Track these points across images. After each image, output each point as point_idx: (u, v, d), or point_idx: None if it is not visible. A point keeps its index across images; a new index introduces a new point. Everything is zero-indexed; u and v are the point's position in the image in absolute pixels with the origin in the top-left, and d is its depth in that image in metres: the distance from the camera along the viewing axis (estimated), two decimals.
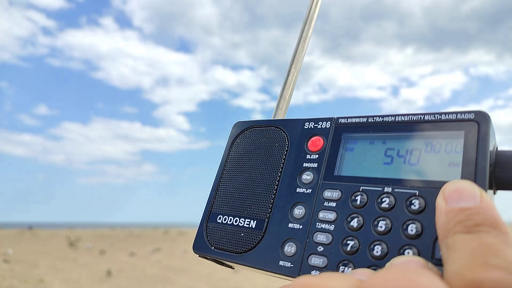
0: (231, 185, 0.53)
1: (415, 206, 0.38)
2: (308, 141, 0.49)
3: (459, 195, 0.31)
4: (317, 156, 0.48)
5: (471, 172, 0.37)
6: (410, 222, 0.37)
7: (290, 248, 0.43)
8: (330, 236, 0.41)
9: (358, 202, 0.41)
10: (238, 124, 0.58)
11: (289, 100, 0.65)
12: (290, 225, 0.45)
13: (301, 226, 0.44)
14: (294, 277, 0.42)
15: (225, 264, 0.50)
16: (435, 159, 0.40)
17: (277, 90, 0.66)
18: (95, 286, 9.11)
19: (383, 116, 0.45)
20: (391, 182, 0.41)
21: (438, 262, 0.34)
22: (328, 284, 0.27)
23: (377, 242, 0.38)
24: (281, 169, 0.49)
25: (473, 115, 0.39)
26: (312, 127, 0.50)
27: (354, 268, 0.38)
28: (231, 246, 0.48)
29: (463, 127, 0.39)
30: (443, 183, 0.35)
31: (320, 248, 0.41)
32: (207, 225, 0.52)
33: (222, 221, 0.51)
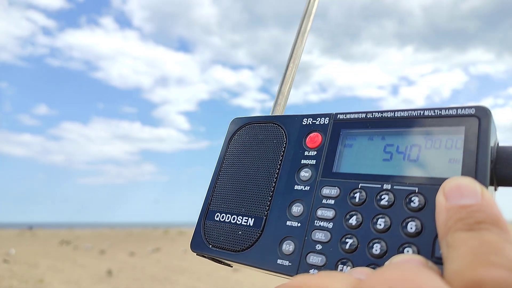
0: (229, 182, 0.52)
1: (414, 203, 0.37)
2: (306, 137, 0.49)
3: (459, 192, 0.31)
4: (315, 152, 0.47)
5: (472, 168, 0.36)
6: (409, 219, 0.37)
7: (288, 246, 0.43)
8: (328, 234, 0.41)
9: (357, 200, 0.41)
10: (236, 120, 0.57)
11: (288, 96, 0.65)
12: (288, 223, 0.44)
13: (299, 224, 0.43)
14: (292, 276, 0.41)
15: (223, 263, 0.50)
16: (435, 155, 0.39)
17: (277, 89, 0.66)
18: (95, 286, 9.11)
19: (382, 112, 0.45)
20: (390, 179, 0.40)
21: (438, 261, 0.33)
22: (327, 283, 0.26)
23: (376, 240, 0.38)
24: (279, 166, 0.49)
25: (474, 110, 0.39)
26: (311, 123, 0.49)
27: (353, 267, 0.38)
28: (229, 244, 0.47)
29: (464, 122, 0.39)
30: (443, 179, 0.34)
31: (319, 246, 0.41)
32: (204, 223, 0.51)
33: (219, 219, 0.50)
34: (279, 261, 0.42)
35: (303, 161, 0.47)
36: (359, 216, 0.40)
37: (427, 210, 0.37)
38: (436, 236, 0.35)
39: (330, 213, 0.42)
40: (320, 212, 0.42)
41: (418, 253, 0.35)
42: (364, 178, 0.42)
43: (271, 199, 0.47)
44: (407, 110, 0.43)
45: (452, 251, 0.28)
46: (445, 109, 0.40)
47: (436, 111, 0.41)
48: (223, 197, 0.51)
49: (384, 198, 0.39)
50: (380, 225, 0.38)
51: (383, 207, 0.39)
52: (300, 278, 0.28)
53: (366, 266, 0.37)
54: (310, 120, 0.50)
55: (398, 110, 0.43)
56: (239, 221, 0.48)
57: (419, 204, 0.37)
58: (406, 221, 0.37)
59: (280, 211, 0.45)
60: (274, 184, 0.48)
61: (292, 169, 0.47)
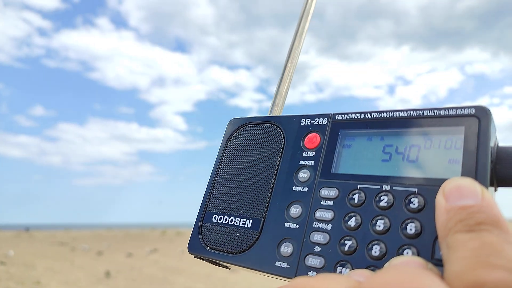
0: (226, 183, 0.52)
1: (414, 204, 0.37)
2: (304, 138, 0.48)
3: (459, 192, 0.30)
4: (313, 153, 0.47)
5: (472, 169, 0.36)
6: (409, 221, 0.36)
7: (286, 248, 0.42)
8: (327, 236, 0.40)
9: (356, 201, 0.40)
10: (234, 121, 0.57)
11: (286, 96, 0.64)
12: (287, 224, 0.44)
13: (297, 226, 0.43)
14: (290, 278, 0.41)
15: (221, 265, 0.49)
16: (434, 156, 0.39)
17: (274, 89, 0.65)
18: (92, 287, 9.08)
19: (381, 112, 0.44)
20: (389, 179, 0.40)
21: (438, 262, 0.33)
22: (325, 285, 0.26)
23: (376, 242, 0.37)
24: (277, 167, 0.48)
25: (474, 110, 0.38)
26: (309, 123, 0.49)
27: (352, 269, 0.37)
28: (227, 246, 0.47)
29: (463, 122, 0.38)
30: (443, 180, 0.34)
31: (317, 248, 0.40)
32: (202, 225, 0.51)
33: (217, 220, 0.49)
34: (277, 263, 0.42)
35: (301, 162, 0.47)
36: (358, 217, 0.39)
37: (426, 211, 0.36)
38: (436, 237, 0.34)
39: (329, 215, 0.41)
40: (318, 214, 0.42)
41: (418, 254, 0.35)
42: (363, 179, 0.41)
43: (269, 200, 0.46)
44: (406, 110, 0.42)
45: (452, 253, 0.27)
46: (444, 109, 0.40)
47: (435, 111, 0.40)
48: (220, 198, 0.51)
49: (383, 199, 0.39)
50: (380, 226, 0.38)
51: (382, 208, 0.39)
52: (298, 281, 0.27)
53: (365, 268, 0.37)
54: (308, 120, 0.49)
55: (397, 110, 0.43)
56: (237, 222, 0.48)
57: (418, 205, 0.37)
58: (406, 222, 0.37)
59: (278, 213, 0.45)
60: (272, 185, 0.47)
61: (290, 170, 0.47)
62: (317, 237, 0.41)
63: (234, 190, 0.50)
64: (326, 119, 0.48)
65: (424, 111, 0.41)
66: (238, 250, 0.46)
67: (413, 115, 0.42)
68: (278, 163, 0.49)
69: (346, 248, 0.38)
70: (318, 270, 0.39)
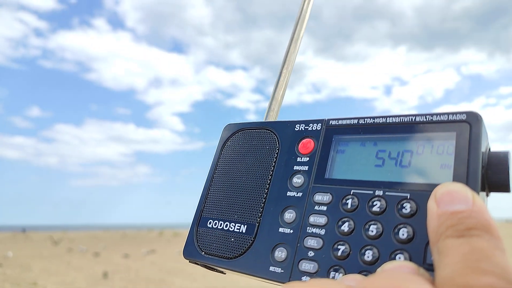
0: (222, 189, 0.52)
1: (406, 209, 0.37)
2: (299, 143, 0.49)
3: (450, 198, 0.31)
4: (307, 158, 0.47)
5: (463, 174, 0.36)
6: (401, 226, 0.37)
7: (280, 253, 0.42)
8: (321, 241, 0.41)
9: (349, 206, 0.41)
10: (229, 126, 0.57)
11: (281, 102, 0.65)
12: (281, 229, 0.44)
13: (291, 231, 0.43)
14: (284, 283, 0.41)
15: (216, 270, 0.49)
16: (426, 161, 0.39)
17: (271, 90, 0.66)
18: None
19: (374, 118, 0.45)
20: (382, 185, 0.40)
21: (430, 267, 0.33)
22: None
23: (368, 247, 0.38)
24: (271, 172, 0.49)
25: (465, 116, 0.39)
26: (303, 129, 0.49)
27: (345, 273, 0.38)
28: (222, 251, 0.47)
29: (455, 128, 0.39)
30: (434, 185, 0.34)
31: (311, 253, 0.41)
32: (197, 230, 0.51)
33: (212, 226, 0.50)
34: (271, 268, 0.42)
35: (295, 167, 0.47)
36: (351, 222, 0.40)
37: (418, 216, 0.37)
38: (428, 242, 0.35)
39: (322, 220, 0.42)
40: (312, 219, 0.42)
41: (410, 259, 0.35)
42: (356, 184, 0.42)
43: (264, 205, 0.47)
44: (399, 116, 0.43)
45: (443, 258, 0.28)
46: (437, 114, 0.40)
47: (427, 116, 0.41)
48: (216, 203, 0.51)
49: (376, 204, 0.39)
50: (372, 231, 0.38)
51: (375, 213, 0.39)
52: (291, 286, 0.27)
53: (358, 273, 0.37)
54: (302, 126, 0.49)
55: (390, 116, 0.44)
56: (231, 228, 0.48)
57: (410, 211, 0.37)
58: (398, 227, 0.37)
59: (272, 218, 0.45)
60: (266, 191, 0.48)
61: (284, 176, 0.47)
62: (311, 242, 0.41)
63: (229, 195, 0.50)
64: (320, 124, 0.48)
65: (417, 117, 0.41)
66: (232, 255, 0.46)
67: (405, 120, 0.42)
68: (272, 168, 0.49)
69: (339, 253, 0.39)
70: (311, 275, 0.40)
